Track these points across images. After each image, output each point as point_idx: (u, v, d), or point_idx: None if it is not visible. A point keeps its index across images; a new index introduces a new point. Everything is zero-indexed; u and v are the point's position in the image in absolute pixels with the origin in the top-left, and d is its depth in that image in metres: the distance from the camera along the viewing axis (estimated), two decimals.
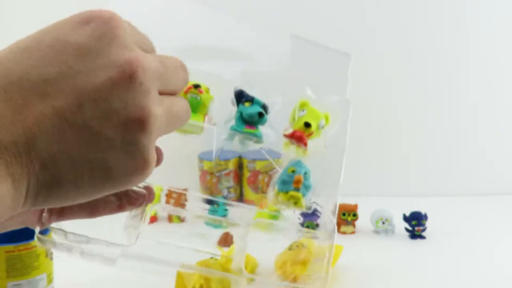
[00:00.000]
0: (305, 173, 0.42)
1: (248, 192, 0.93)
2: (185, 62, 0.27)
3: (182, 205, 0.81)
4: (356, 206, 0.76)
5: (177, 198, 0.81)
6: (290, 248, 0.60)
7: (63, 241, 0.36)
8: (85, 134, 0.21)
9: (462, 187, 0.99)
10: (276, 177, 0.42)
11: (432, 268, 0.62)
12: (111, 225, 0.39)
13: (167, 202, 0.81)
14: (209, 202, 0.58)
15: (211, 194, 0.93)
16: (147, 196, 0.34)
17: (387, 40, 0.94)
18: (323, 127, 0.43)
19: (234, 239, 0.48)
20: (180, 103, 0.26)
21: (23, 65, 0.21)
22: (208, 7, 0.38)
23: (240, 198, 0.96)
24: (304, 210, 0.41)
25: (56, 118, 0.21)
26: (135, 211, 0.39)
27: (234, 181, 0.93)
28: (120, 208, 0.32)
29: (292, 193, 0.40)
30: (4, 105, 0.20)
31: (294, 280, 0.57)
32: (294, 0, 0.94)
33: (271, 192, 0.41)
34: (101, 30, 0.22)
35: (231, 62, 0.43)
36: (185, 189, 0.81)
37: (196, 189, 0.96)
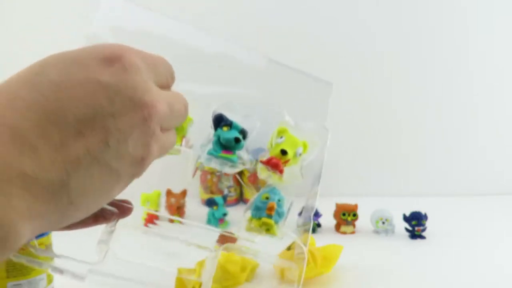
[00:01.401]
0: (279, 200, 0.43)
1: (248, 192, 0.93)
2: None
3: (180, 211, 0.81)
4: (356, 206, 0.76)
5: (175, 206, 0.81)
6: (289, 248, 0.60)
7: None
8: (105, 171, 0.23)
9: (462, 187, 0.99)
10: (250, 203, 0.42)
11: (432, 268, 0.62)
12: (85, 240, 0.40)
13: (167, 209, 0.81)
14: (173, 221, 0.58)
15: (212, 193, 0.93)
16: (120, 213, 0.36)
17: (387, 40, 0.94)
18: (300, 154, 0.43)
19: (206, 261, 0.49)
20: (171, 139, 0.29)
21: (58, 104, 0.22)
22: (187, 25, 0.38)
23: (240, 197, 0.96)
24: (278, 237, 0.41)
25: (88, 158, 0.22)
26: (110, 227, 0.39)
27: (234, 180, 0.93)
28: (95, 221, 0.35)
29: (264, 219, 0.41)
30: (44, 142, 0.21)
31: (294, 280, 0.57)
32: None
33: (245, 218, 0.41)
34: (125, 73, 0.24)
35: (211, 84, 0.44)
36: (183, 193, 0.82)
37: (196, 189, 0.96)
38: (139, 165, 0.25)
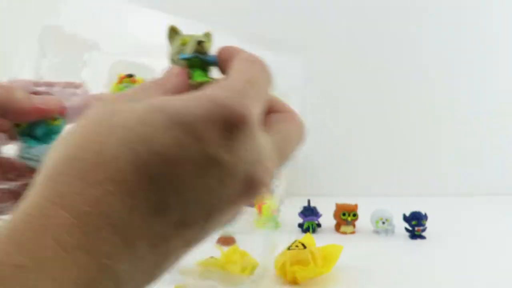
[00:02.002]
0: None
1: None
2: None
3: None
4: (356, 206, 0.76)
5: None
6: (289, 248, 0.60)
7: None
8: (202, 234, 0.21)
9: (462, 187, 0.99)
10: None
11: (432, 268, 0.62)
12: None
13: None
14: None
15: None
16: None
17: (387, 41, 0.94)
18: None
19: None
20: None
21: (162, 188, 0.18)
22: (155, 10, 0.37)
23: None
24: None
25: (181, 250, 0.21)
26: None
27: None
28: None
29: None
30: (141, 238, 0.18)
31: (294, 280, 0.57)
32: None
33: None
34: (244, 145, 0.20)
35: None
36: None
37: None
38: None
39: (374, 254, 0.67)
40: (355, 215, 0.76)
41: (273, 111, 0.24)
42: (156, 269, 0.20)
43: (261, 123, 0.21)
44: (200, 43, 0.26)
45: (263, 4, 0.93)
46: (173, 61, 0.27)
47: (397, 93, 0.95)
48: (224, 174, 0.19)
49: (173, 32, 0.28)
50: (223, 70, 0.25)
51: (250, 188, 0.20)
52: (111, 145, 0.18)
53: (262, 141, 0.21)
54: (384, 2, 0.93)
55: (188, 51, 0.26)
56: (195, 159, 0.19)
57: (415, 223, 0.72)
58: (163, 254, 0.19)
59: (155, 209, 0.18)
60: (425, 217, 0.73)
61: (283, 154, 0.22)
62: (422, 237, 0.73)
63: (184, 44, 0.26)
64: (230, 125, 0.19)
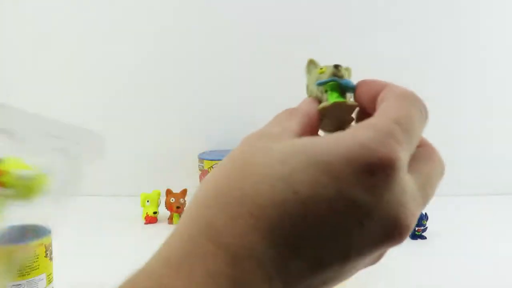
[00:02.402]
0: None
1: None
2: None
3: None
4: None
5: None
6: None
7: None
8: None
9: (462, 187, 0.99)
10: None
11: (432, 268, 0.62)
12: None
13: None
14: None
15: None
16: None
17: (387, 40, 0.93)
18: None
19: None
20: None
21: (302, 229, 0.19)
22: None
23: None
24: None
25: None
26: None
27: None
28: None
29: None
30: (279, 276, 0.19)
31: None
32: None
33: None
34: (385, 186, 0.19)
35: None
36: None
37: (196, 188, 0.96)
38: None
39: None
40: None
41: None
42: None
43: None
44: (337, 66, 0.27)
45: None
46: (310, 90, 0.28)
47: None
48: (363, 215, 0.19)
49: (311, 64, 0.30)
50: (366, 104, 0.25)
51: (393, 231, 0.19)
52: (253, 182, 0.19)
53: (407, 184, 0.20)
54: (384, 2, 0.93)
55: (325, 77, 0.27)
56: (331, 198, 0.18)
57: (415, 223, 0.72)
58: None
59: (291, 247, 0.19)
60: (425, 217, 0.73)
61: (427, 195, 0.22)
62: (422, 237, 0.73)
63: (321, 73, 0.27)
64: (373, 167, 0.18)
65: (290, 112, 0.25)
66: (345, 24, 0.93)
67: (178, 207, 0.81)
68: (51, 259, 0.52)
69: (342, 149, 0.19)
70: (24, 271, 0.49)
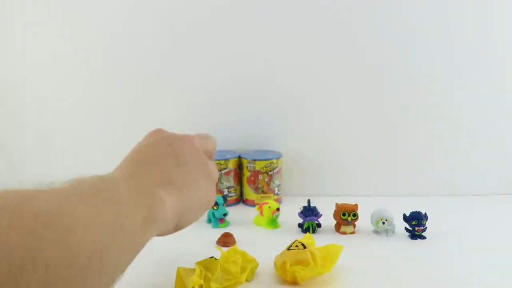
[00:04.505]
0: None
1: (248, 192, 0.93)
2: None
3: None
4: (356, 206, 0.76)
5: None
6: (289, 248, 0.60)
7: None
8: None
9: (462, 187, 0.99)
10: None
11: (432, 268, 0.62)
12: None
13: None
14: None
15: None
16: None
17: (386, 40, 0.93)
18: None
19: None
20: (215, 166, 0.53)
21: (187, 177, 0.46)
22: None
23: (240, 197, 0.96)
24: None
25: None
26: None
27: (234, 180, 0.93)
28: None
29: None
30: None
31: (294, 280, 0.57)
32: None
33: None
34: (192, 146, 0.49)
35: None
36: None
37: None
38: (210, 205, 0.50)
39: (374, 254, 0.67)
40: (355, 215, 0.76)
41: None
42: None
43: None
44: None
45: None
46: None
47: (398, 93, 0.95)
48: (201, 165, 0.49)
49: None
50: None
51: (214, 179, 0.51)
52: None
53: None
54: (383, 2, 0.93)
55: None
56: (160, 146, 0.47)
57: (415, 223, 0.72)
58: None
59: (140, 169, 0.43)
60: (425, 217, 0.73)
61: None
62: (422, 237, 0.73)
63: None
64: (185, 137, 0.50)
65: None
66: (347, 25, 0.93)
67: None
68: None
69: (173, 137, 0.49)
70: None
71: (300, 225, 0.78)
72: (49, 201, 0.27)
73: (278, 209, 0.79)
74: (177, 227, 0.44)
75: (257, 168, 0.91)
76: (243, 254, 0.61)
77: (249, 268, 0.59)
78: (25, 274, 0.22)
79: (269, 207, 0.79)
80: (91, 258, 0.27)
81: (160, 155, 0.45)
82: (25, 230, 0.24)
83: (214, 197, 0.50)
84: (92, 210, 0.30)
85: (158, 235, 0.41)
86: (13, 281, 0.22)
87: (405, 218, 0.74)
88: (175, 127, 0.99)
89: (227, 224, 0.81)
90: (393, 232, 0.75)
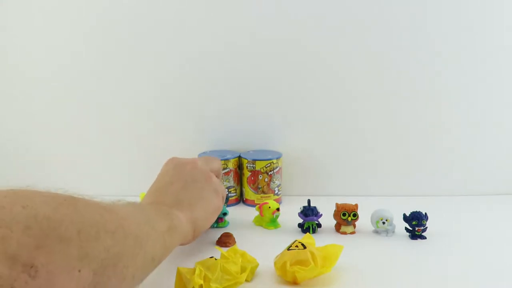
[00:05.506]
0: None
1: (248, 192, 0.93)
2: None
3: None
4: (356, 206, 0.76)
5: None
6: (289, 248, 0.60)
7: None
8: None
9: (462, 187, 0.99)
10: None
11: (433, 268, 0.62)
12: None
13: None
14: None
15: None
16: None
17: (389, 40, 0.93)
18: None
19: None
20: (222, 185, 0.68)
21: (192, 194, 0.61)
22: None
23: (240, 197, 0.96)
24: None
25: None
26: None
27: (234, 180, 0.93)
28: None
29: None
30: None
31: (294, 280, 0.57)
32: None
33: None
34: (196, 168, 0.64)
35: None
36: None
37: None
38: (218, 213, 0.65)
39: (374, 254, 0.67)
40: (355, 215, 0.76)
41: None
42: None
43: None
44: None
45: None
46: None
47: (398, 93, 0.95)
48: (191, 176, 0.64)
49: None
50: None
51: (220, 196, 0.67)
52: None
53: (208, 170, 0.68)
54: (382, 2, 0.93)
55: None
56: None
57: (415, 223, 0.72)
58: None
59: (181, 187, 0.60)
60: (425, 217, 0.73)
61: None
62: (422, 237, 0.73)
63: None
64: (191, 162, 0.66)
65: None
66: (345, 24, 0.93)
67: None
68: None
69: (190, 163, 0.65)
70: None
71: (300, 225, 0.78)
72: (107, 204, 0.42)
73: (278, 209, 0.79)
74: (195, 235, 0.58)
75: (257, 168, 0.91)
76: (243, 254, 0.61)
77: (249, 268, 0.59)
78: (101, 238, 0.34)
79: (269, 207, 0.79)
80: (136, 241, 0.39)
81: (171, 182, 0.60)
82: (92, 210, 0.36)
83: (221, 206, 0.64)
84: (133, 211, 0.45)
85: (182, 244, 0.56)
86: (95, 242, 0.34)
87: (405, 218, 0.74)
88: (175, 127, 1.00)
89: (226, 223, 0.81)
90: (393, 232, 0.75)
